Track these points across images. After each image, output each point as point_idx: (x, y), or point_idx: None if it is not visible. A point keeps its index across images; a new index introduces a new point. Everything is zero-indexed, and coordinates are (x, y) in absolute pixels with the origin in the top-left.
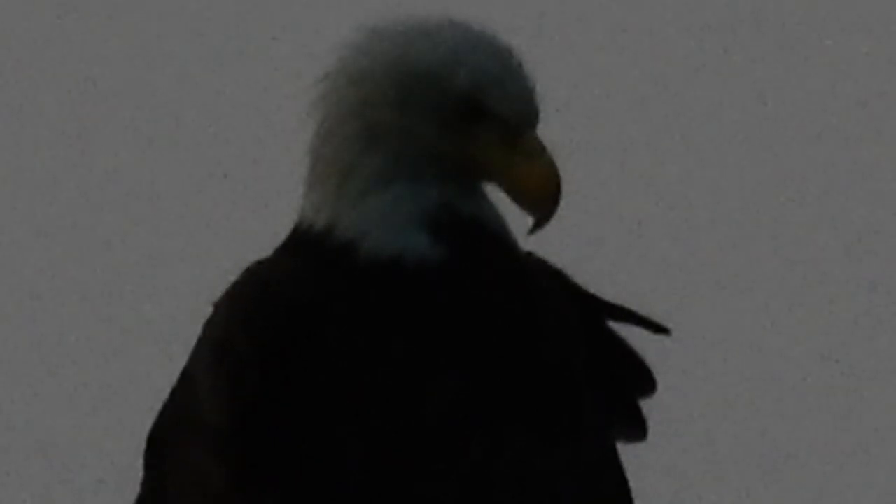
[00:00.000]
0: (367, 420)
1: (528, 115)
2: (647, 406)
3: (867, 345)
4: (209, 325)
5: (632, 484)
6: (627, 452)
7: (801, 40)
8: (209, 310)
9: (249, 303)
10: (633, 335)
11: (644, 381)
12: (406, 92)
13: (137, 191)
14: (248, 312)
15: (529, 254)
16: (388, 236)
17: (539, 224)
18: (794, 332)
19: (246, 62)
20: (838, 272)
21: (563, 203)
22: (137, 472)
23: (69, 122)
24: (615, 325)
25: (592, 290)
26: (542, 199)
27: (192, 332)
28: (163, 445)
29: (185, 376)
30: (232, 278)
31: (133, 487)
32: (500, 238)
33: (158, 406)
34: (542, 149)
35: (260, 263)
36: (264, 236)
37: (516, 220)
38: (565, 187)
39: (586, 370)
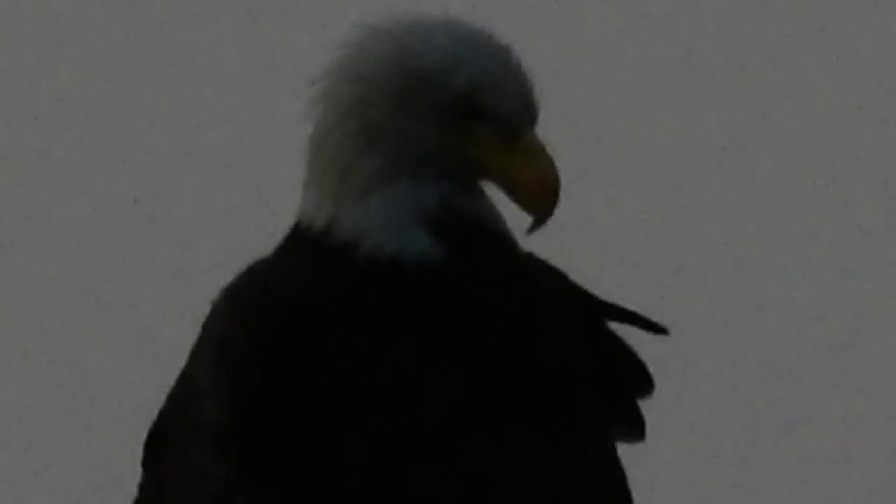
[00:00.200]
0: (367, 420)
1: (527, 114)
2: (646, 406)
3: (868, 345)
4: (208, 325)
5: (631, 484)
6: (626, 452)
7: (800, 40)
8: (208, 309)
9: (249, 302)
10: (631, 335)
11: (642, 381)
12: (405, 91)
13: (137, 191)
14: (248, 312)
15: (529, 254)
16: (388, 236)
17: (538, 223)
18: (794, 333)
19: (245, 62)
20: (839, 272)
21: (561, 202)
22: (136, 473)
23: (69, 122)
24: (614, 326)
25: (591, 290)
26: (541, 198)
27: (191, 332)
28: (162, 446)
29: (185, 376)
30: (231, 278)
31: (132, 488)
32: (499, 238)
33: (157, 406)
34: (542, 148)
35: (259, 263)
36: (264, 236)
37: (515, 219)
38: (564, 187)
39: (586, 370)
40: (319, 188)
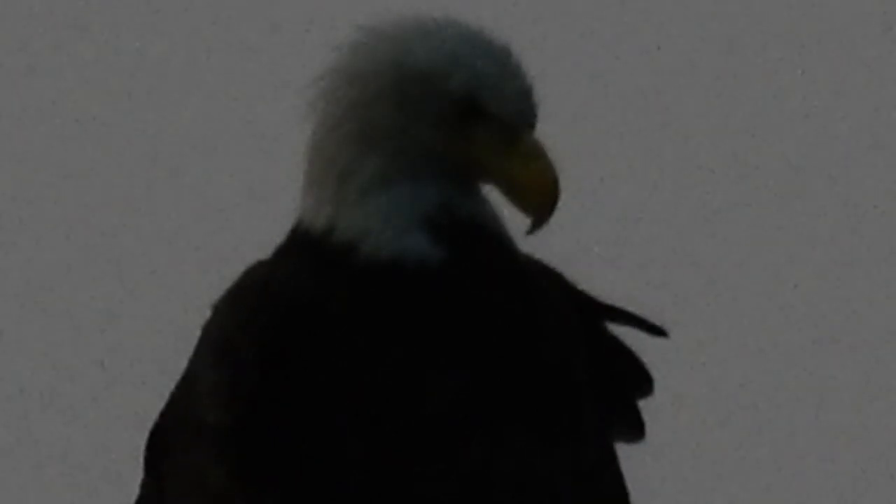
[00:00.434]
0: (368, 420)
1: (526, 115)
2: (645, 406)
3: (868, 345)
4: (209, 326)
5: (630, 484)
6: (626, 452)
7: (800, 40)
8: (209, 311)
9: (249, 303)
10: (630, 336)
11: (642, 381)
12: (404, 92)
13: (136, 191)
14: (249, 313)
15: (528, 255)
16: (387, 237)
17: (537, 225)
18: (794, 333)
19: (244, 61)
20: (839, 272)
21: (560, 204)
22: (138, 473)
23: (69, 122)
24: (613, 327)
25: (590, 291)
26: (540, 199)
27: (192, 332)
28: (163, 446)
29: (186, 377)
30: (232, 279)
31: (133, 488)
32: (498, 239)
33: (158, 407)
34: (541, 149)
35: (260, 264)
36: (264, 236)
37: (514, 220)
38: (563, 188)
39: (586, 371)
40: (319, 190)
